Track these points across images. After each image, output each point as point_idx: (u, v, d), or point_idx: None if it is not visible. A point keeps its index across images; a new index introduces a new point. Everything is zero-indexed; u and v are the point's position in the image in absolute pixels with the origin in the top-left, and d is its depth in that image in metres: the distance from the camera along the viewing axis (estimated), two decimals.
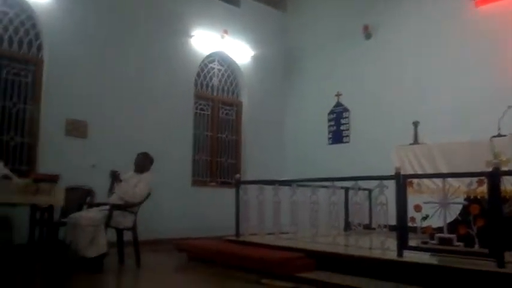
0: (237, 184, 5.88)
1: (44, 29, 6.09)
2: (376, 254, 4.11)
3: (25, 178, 4.85)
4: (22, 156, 5.91)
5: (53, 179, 4.17)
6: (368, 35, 7.71)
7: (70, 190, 4.97)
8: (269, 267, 4.33)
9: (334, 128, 8.12)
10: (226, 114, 8.34)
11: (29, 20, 6.07)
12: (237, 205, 5.77)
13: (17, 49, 5.97)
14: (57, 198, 4.12)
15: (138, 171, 5.15)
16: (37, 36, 6.14)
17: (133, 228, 4.87)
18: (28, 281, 4.18)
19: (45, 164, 5.71)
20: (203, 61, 7.92)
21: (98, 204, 4.94)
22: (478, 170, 3.73)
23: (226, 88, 8.37)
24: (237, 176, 6.29)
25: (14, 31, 5.95)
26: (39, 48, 6.15)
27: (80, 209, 5.01)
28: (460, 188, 3.99)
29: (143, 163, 5.19)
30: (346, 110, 7.98)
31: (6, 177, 4.53)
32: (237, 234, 5.73)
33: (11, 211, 4.62)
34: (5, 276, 4.32)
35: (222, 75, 8.33)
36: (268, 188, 5.62)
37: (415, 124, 5.50)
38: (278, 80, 8.98)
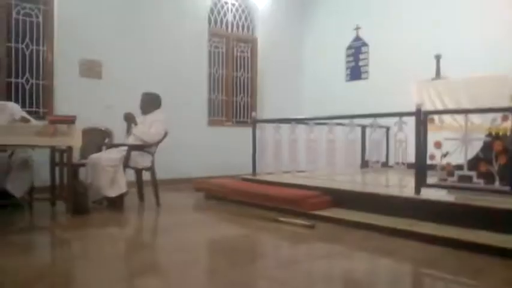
0: (254, 123, 5.86)
1: None
2: (393, 191, 4.10)
3: (42, 120, 4.91)
4: (38, 99, 5.92)
5: (69, 120, 4.20)
6: None
7: (88, 131, 5.02)
8: (285, 205, 4.39)
9: (353, 64, 7.87)
10: (242, 51, 8.13)
11: None
12: (254, 144, 5.79)
13: None
14: (75, 139, 4.17)
15: (143, 113, 5.13)
16: None
17: (151, 168, 4.95)
18: (54, 218, 4.34)
19: (62, 106, 5.73)
20: None
21: (117, 145, 5.00)
22: (503, 106, 3.61)
23: (240, 24, 8.10)
24: (254, 114, 6.26)
25: None
26: None
27: (99, 150, 5.08)
28: (482, 124, 3.88)
29: (143, 103, 5.14)
30: (365, 44, 7.68)
31: (23, 119, 4.59)
32: (254, 173, 5.79)
33: (30, 153, 4.69)
34: (32, 216, 4.49)
35: (236, 10, 8.03)
36: (285, 127, 5.58)
37: (437, 58, 5.28)
38: (294, 14, 8.62)
